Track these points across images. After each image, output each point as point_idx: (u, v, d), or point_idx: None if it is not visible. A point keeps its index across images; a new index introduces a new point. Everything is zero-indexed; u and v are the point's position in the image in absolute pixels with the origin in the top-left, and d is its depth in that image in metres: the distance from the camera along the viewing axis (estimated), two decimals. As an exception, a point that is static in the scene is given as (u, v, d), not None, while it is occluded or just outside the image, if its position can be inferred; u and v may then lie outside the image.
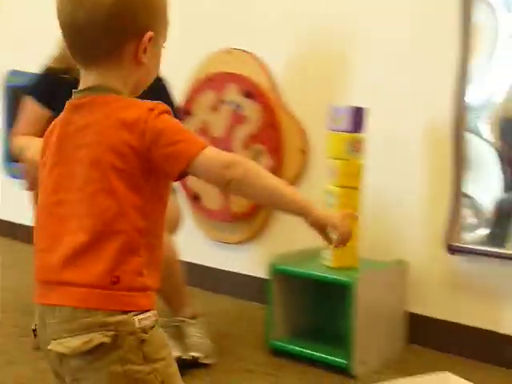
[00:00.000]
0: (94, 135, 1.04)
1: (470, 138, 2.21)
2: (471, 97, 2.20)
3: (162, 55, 1.12)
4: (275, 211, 2.56)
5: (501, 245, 2.17)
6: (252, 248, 2.79)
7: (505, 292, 2.18)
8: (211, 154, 1.03)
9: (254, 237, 2.77)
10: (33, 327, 1.10)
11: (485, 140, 2.21)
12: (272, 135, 2.65)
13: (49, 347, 1.03)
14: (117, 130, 1.03)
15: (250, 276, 2.73)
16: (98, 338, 1.00)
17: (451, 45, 2.17)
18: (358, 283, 2.03)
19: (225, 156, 1.05)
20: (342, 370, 2.06)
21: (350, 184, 2.14)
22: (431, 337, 2.31)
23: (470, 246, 2.21)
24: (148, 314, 1.04)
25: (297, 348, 2.17)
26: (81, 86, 1.09)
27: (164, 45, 1.12)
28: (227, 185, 1.05)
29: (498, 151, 2.18)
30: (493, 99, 2.19)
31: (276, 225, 2.72)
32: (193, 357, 2.06)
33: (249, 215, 2.73)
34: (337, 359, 2.07)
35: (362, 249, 2.25)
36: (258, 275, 2.53)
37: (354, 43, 2.47)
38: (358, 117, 2.13)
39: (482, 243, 2.20)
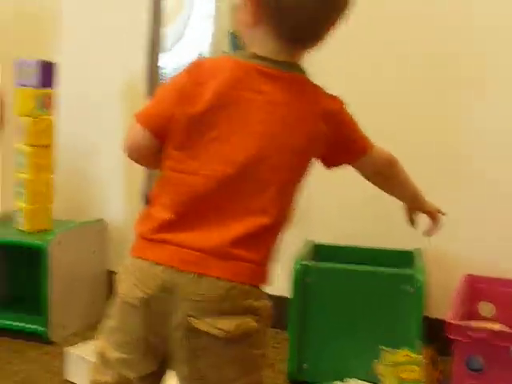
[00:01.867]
0: (293, 118, 0.99)
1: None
2: (168, 55, 2.22)
3: None
4: None
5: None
6: None
7: None
8: (377, 150, 1.09)
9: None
10: (142, 295, 0.97)
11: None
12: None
13: (198, 326, 0.95)
14: (318, 119, 1.00)
15: None
16: (251, 323, 0.97)
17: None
18: (50, 246, 1.90)
19: (387, 152, 1.12)
20: (41, 337, 1.93)
21: (41, 142, 1.98)
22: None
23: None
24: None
25: (-8, 319, 1.99)
26: (268, 53, 0.99)
27: None
28: (382, 177, 1.13)
29: None
30: (190, 58, 2.22)
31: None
32: None
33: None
34: (34, 326, 1.94)
35: (59, 210, 2.15)
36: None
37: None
38: (47, 71, 1.97)
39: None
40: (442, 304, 1.62)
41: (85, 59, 2.29)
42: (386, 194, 1.19)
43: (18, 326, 1.98)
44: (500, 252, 1.82)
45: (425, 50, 1.90)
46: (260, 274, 1.00)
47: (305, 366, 1.72)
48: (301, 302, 1.71)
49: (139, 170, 2.18)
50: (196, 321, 0.96)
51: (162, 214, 0.99)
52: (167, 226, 0.99)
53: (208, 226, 0.98)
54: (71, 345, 1.82)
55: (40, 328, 1.95)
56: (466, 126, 1.89)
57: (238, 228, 0.97)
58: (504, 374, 1.40)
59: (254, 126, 0.98)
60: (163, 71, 2.19)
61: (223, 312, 0.97)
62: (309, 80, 1.03)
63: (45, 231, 2.01)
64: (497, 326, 1.57)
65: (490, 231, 1.84)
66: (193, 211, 0.98)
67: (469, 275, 1.76)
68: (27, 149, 1.99)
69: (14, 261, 2.17)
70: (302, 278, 1.70)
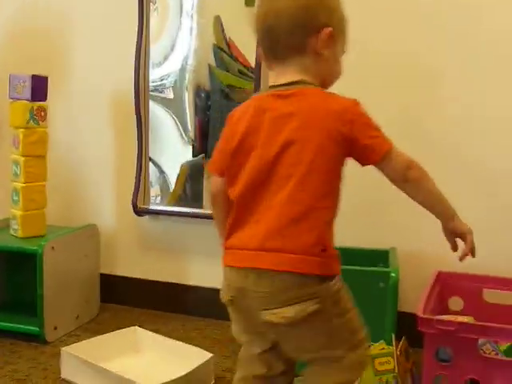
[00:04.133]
0: (305, 122, 1.10)
1: (156, 109, 2.20)
2: (156, 69, 2.21)
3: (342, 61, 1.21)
4: None
5: (185, 205, 2.19)
6: None
7: (188, 247, 2.22)
8: (397, 153, 1.13)
9: None
10: (229, 298, 1.16)
11: (170, 110, 2.21)
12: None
13: (267, 318, 1.10)
14: (328, 118, 1.10)
15: None
16: (311, 306, 1.09)
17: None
18: (44, 251, 1.92)
19: (407, 157, 1.15)
20: (36, 337, 1.95)
21: (35, 153, 2.01)
22: (124, 295, 2.28)
23: (155, 208, 2.21)
24: (336, 278, 1.13)
25: (-12, 321, 2.00)
26: (274, 81, 1.16)
27: (344, 52, 1.21)
28: (405, 182, 1.15)
29: (181, 120, 2.20)
30: (178, 71, 2.24)
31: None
32: None
33: None
34: (30, 327, 1.96)
35: (53, 216, 2.18)
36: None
37: (48, 17, 2.36)
38: (38, 85, 1.99)
39: (167, 204, 2.22)
40: (415, 299, 1.65)
41: (76, 75, 2.31)
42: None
43: (14, 327, 2.00)
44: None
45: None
46: (308, 263, 1.09)
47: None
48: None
49: (128, 178, 2.22)
50: (266, 313, 1.11)
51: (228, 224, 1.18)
52: (228, 233, 1.17)
53: (258, 224, 1.12)
54: (66, 345, 1.84)
55: (35, 329, 1.97)
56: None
57: (275, 221, 1.09)
58: (471, 365, 1.44)
59: (272, 137, 1.11)
60: (151, 85, 2.23)
61: (286, 301, 1.09)
62: (319, 89, 1.16)
63: (39, 237, 2.03)
64: (465, 319, 1.60)
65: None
66: (237, 216, 1.15)
67: (439, 272, 1.80)
68: (21, 159, 2.01)
69: (11, 265, 2.19)
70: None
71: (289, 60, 1.15)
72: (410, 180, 1.15)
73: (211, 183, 1.24)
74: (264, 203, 1.11)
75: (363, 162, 1.13)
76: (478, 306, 1.75)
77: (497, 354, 1.41)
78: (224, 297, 1.18)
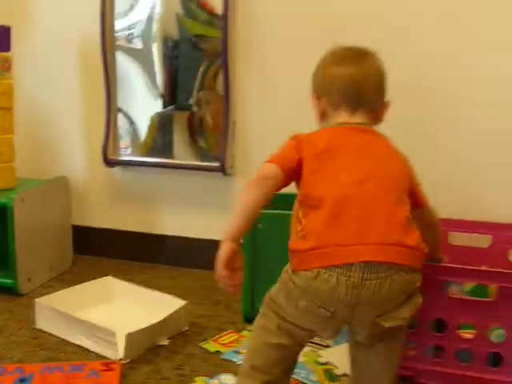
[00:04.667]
0: (379, 149, 1.25)
1: (124, 59, 2.17)
2: (123, 19, 2.16)
3: None
4: None
5: (156, 155, 2.18)
6: None
7: (160, 197, 2.21)
8: (431, 209, 1.34)
9: None
10: (328, 313, 1.14)
11: (138, 60, 2.17)
12: None
13: (385, 324, 1.13)
14: (396, 152, 1.27)
15: None
16: (418, 300, 1.18)
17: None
18: (14, 203, 1.91)
19: (436, 215, 1.36)
20: (10, 289, 1.95)
21: (1, 105, 1.95)
22: (97, 246, 2.28)
23: (126, 158, 2.20)
24: None
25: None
26: (346, 120, 1.27)
27: None
28: (438, 226, 1.38)
29: (150, 70, 2.17)
30: (145, 20, 2.15)
31: None
32: None
33: None
34: (3, 280, 1.96)
35: (23, 169, 2.13)
36: None
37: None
38: (2, 35, 1.92)
39: (138, 155, 2.20)
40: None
41: (41, 23, 2.24)
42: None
43: (-14, 280, 1.99)
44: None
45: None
46: (419, 258, 1.16)
47: (258, 305, 1.76)
48: (252, 246, 1.75)
49: (97, 129, 2.19)
50: (382, 319, 1.14)
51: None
52: (318, 233, 1.15)
53: (350, 224, 1.14)
54: (40, 296, 1.83)
55: (9, 281, 1.96)
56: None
57: (386, 218, 1.15)
58: (438, 305, 1.46)
59: (366, 152, 1.22)
60: (119, 35, 2.17)
61: (400, 301, 1.14)
62: (375, 131, 1.28)
63: (9, 190, 2.00)
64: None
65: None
66: (332, 213, 1.15)
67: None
68: (-12, 112, 1.96)
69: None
70: (254, 224, 1.73)
71: (362, 113, 1.28)
72: (439, 223, 1.37)
73: (266, 167, 1.22)
74: (372, 203, 1.14)
75: (414, 202, 1.25)
76: (444, 249, 1.77)
77: (462, 294, 1.44)
78: (314, 309, 1.14)
